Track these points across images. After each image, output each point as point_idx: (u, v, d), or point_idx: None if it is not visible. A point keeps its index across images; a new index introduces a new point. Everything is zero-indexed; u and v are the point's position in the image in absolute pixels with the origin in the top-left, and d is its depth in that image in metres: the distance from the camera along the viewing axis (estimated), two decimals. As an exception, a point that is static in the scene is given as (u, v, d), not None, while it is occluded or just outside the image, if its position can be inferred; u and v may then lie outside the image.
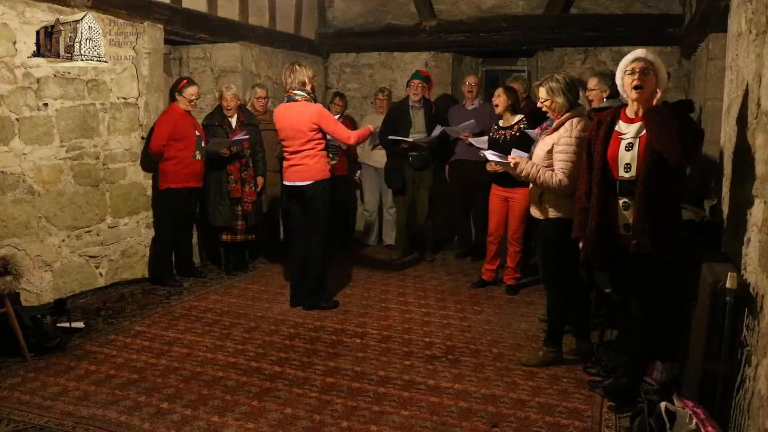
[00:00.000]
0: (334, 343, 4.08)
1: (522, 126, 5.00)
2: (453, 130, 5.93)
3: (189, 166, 5.16)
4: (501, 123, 5.15)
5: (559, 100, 3.59)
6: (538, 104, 3.75)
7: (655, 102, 2.96)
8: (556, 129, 3.62)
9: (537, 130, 3.91)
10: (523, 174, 3.61)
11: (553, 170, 3.55)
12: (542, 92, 3.65)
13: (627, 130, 3.02)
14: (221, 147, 5.28)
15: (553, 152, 3.58)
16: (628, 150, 3.00)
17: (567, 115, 3.59)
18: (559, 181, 3.49)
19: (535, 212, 3.76)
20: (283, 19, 6.79)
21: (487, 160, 4.24)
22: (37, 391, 3.29)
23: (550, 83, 3.60)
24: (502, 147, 4.90)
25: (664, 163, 2.87)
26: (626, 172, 3.00)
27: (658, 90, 2.96)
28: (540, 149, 3.70)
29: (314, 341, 4.11)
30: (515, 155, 3.84)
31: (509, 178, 4.92)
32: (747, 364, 2.57)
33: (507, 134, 5.05)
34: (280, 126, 4.60)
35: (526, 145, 4.60)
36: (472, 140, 5.71)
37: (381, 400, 3.28)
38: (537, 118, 5.09)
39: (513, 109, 5.08)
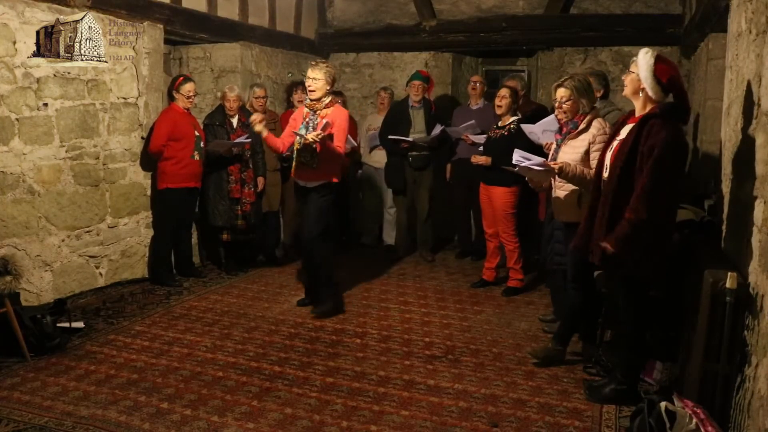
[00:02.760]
0: (334, 343, 4.08)
1: (512, 127, 5.03)
2: (454, 131, 5.94)
3: (187, 166, 5.16)
4: (499, 123, 5.18)
5: (584, 100, 3.63)
6: (557, 104, 3.73)
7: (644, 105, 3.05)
8: (584, 130, 3.61)
9: (556, 136, 3.88)
10: (569, 176, 3.55)
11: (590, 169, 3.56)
12: (564, 92, 3.65)
13: (623, 131, 3.10)
14: (223, 148, 5.28)
15: (590, 152, 3.58)
16: (609, 151, 3.18)
17: (591, 115, 3.62)
18: None
19: (570, 215, 3.70)
20: (283, 19, 6.79)
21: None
22: (37, 391, 3.29)
23: (573, 82, 3.62)
24: (493, 145, 5.02)
25: (673, 175, 2.92)
26: (606, 172, 3.16)
27: (642, 88, 2.99)
28: (569, 153, 3.66)
29: (314, 341, 4.11)
30: (517, 156, 3.84)
31: (491, 176, 5.01)
32: (747, 364, 2.57)
33: (499, 133, 5.10)
34: None
35: (514, 144, 4.64)
36: (473, 138, 5.72)
37: (381, 400, 3.28)
38: (534, 117, 5.13)
39: (513, 110, 5.11)
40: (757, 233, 2.57)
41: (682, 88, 3.01)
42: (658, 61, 2.96)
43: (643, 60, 2.97)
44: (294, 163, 4.45)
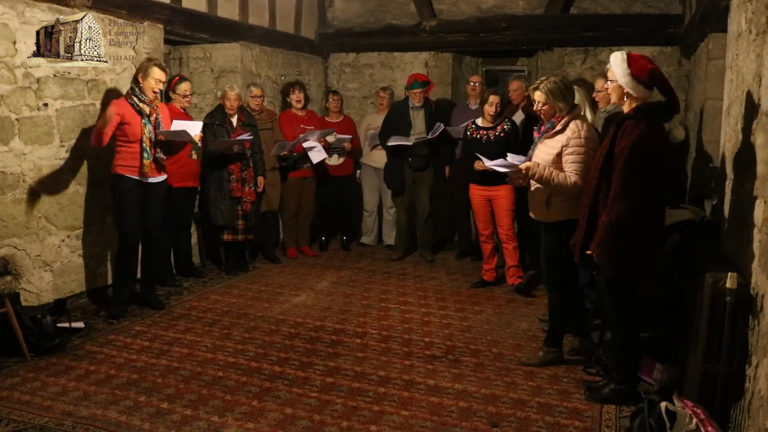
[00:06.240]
0: (334, 343, 4.08)
1: (506, 127, 5.02)
2: (455, 131, 5.94)
3: (185, 165, 5.17)
4: (480, 123, 5.17)
5: (561, 104, 3.54)
6: (534, 106, 3.68)
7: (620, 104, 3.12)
8: (560, 131, 3.56)
9: (535, 134, 3.84)
10: (536, 177, 3.53)
11: (563, 172, 3.52)
12: (539, 95, 3.57)
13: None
14: (225, 146, 5.28)
15: (563, 155, 3.54)
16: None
17: (569, 116, 3.56)
18: (574, 182, 3.44)
19: (538, 215, 3.72)
20: (283, 19, 6.79)
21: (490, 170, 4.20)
22: (37, 391, 3.29)
23: (549, 86, 3.54)
24: (485, 147, 4.98)
25: (647, 176, 2.93)
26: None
27: (626, 92, 3.00)
28: (544, 152, 3.62)
29: (314, 341, 4.11)
30: (512, 158, 3.84)
31: (490, 177, 4.92)
32: (747, 364, 2.57)
33: (491, 135, 5.08)
34: None
35: (509, 145, 4.64)
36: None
37: (381, 400, 3.28)
38: (536, 119, 5.12)
39: (501, 114, 5.15)
40: (758, 233, 2.56)
41: (664, 80, 2.99)
42: (632, 61, 2.96)
43: (617, 65, 2.99)
44: (147, 161, 4.35)
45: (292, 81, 6.58)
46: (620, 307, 3.20)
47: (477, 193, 5.20)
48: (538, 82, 3.63)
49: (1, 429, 2.91)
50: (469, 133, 5.25)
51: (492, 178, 5.02)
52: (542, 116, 3.66)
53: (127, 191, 4.38)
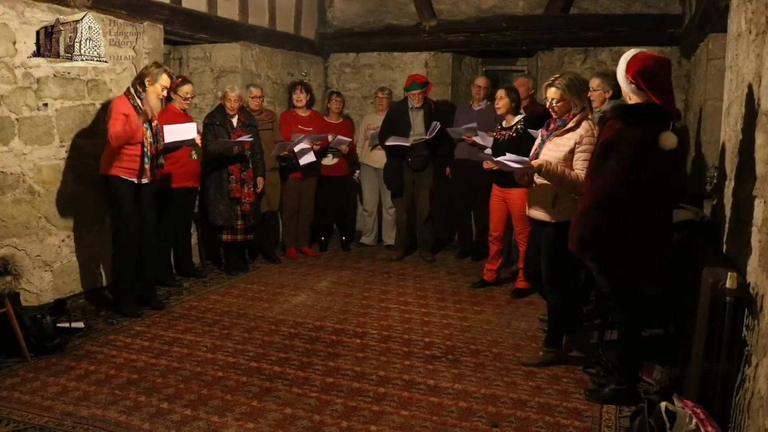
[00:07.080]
0: (334, 343, 4.08)
1: (519, 127, 5.00)
2: (456, 132, 5.93)
3: (185, 165, 5.17)
4: (504, 124, 5.15)
5: (576, 100, 3.54)
6: (548, 104, 3.65)
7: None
8: (572, 129, 3.55)
9: (542, 132, 3.79)
10: (550, 175, 3.49)
11: (573, 170, 3.52)
12: (555, 92, 3.55)
13: None
14: (225, 146, 5.28)
15: (576, 152, 3.52)
16: None
17: (580, 115, 3.56)
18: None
19: (540, 214, 3.69)
20: (283, 19, 6.79)
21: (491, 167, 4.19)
22: (37, 391, 3.29)
23: (565, 82, 3.53)
24: (500, 147, 4.93)
25: (610, 171, 2.95)
26: None
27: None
28: (553, 150, 3.60)
29: (314, 341, 4.11)
30: (510, 156, 3.83)
31: (507, 178, 4.86)
32: (747, 364, 2.57)
33: (506, 135, 5.06)
34: None
35: (522, 145, 4.61)
36: (476, 138, 5.71)
37: (381, 400, 3.28)
38: (540, 119, 5.10)
39: (515, 110, 5.09)
40: (757, 233, 2.56)
41: (653, 83, 2.90)
42: (631, 60, 2.94)
43: (620, 63, 2.99)
44: (147, 165, 4.37)
45: (297, 81, 6.59)
46: (623, 306, 3.20)
47: (495, 193, 5.18)
48: (552, 78, 3.62)
49: (1, 429, 2.91)
50: (494, 134, 5.26)
51: (505, 179, 4.99)
52: (554, 113, 3.64)
53: (125, 193, 4.39)
